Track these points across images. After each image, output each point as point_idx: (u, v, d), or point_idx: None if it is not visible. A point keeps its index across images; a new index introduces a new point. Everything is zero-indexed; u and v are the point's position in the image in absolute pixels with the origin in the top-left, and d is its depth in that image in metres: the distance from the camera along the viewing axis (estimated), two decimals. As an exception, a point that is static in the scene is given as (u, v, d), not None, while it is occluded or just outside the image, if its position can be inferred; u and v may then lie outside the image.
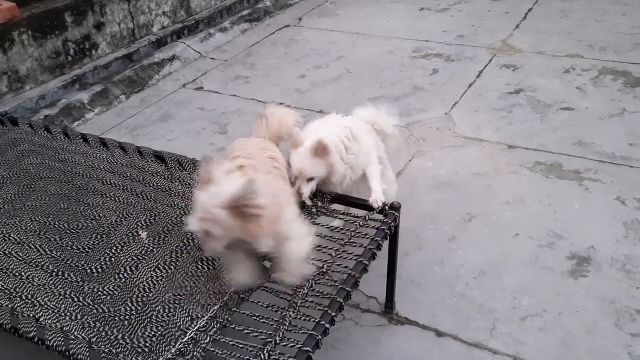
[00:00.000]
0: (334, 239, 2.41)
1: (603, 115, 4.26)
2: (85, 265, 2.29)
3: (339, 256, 2.30)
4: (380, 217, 2.47)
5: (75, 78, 4.90)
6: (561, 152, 3.85)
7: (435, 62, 5.31)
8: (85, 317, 2.05)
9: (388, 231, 2.39)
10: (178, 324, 2.01)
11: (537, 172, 3.68)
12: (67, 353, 1.89)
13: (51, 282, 2.21)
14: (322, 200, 2.61)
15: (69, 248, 2.39)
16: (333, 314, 2.00)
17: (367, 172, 2.67)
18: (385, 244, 2.44)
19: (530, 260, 2.98)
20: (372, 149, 2.72)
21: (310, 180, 2.52)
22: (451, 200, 3.46)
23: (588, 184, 3.52)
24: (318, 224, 2.49)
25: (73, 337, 1.95)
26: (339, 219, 2.55)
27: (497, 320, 2.66)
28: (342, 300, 2.06)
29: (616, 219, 3.23)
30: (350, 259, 2.27)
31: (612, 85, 4.66)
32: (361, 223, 2.46)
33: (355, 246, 2.35)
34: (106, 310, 2.07)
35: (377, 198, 2.51)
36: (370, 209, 2.51)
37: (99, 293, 2.16)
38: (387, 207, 2.49)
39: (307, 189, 2.52)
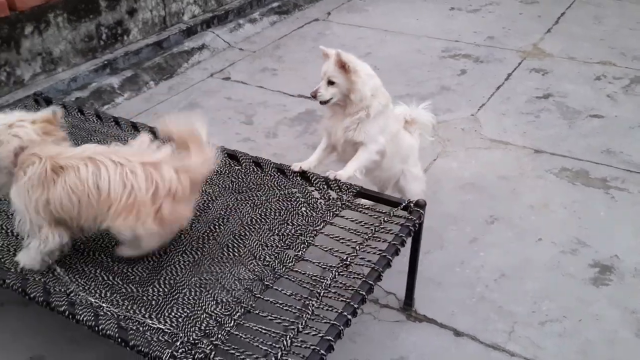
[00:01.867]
0: (358, 232, 2.44)
1: (633, 124, 4.21)
2: (115, 245, 2.34)
3: (362, 249, 2.32)
4: (405, 213, 2.49)
5: (106, 62, 4.97)
6: (588, 159, 3.83)
7: (464, 63, 5.29)
8: (114, 295, 2.10)
9: (412, 228, 2.41)
10: (203, 307, 2.05)
11: (563, 177, 3.66)
12: (97, 328, 1.95)
13: (82, 260, 2.27)
14: (347, 193, 2.64)
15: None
16: (355, 306, 2.03)
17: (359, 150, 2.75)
18: (407, 241, 2.46)
19: (552, 266, 2.98)
20: (384, 127, 2.78)
21: (330, 83, 2.68)
22: (474, 202, 3.46)
23: (614, 193, 3.50)
24: (342, 217, 2.51)
25: (102, 314, 2.01)
26: (370, 215, 2.55)
27: (516, 323, 2.66)
28: (364, 293, 2.09)
29: (641, 229, 3.20)
30: (374, 253, 2.30)
31: (643, 94, 4.61)
32: (385, 218, 2.48)
33: (378, 241, 2.37)
34: (134, 290, 2.13)
35: (339, 173, 2.66)
36: (394, 204, 2.53)
37: (128, 273, 2.21)
38: (412, 204, 2.50)
39: (325, 91, 2.69)
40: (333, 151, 2.92)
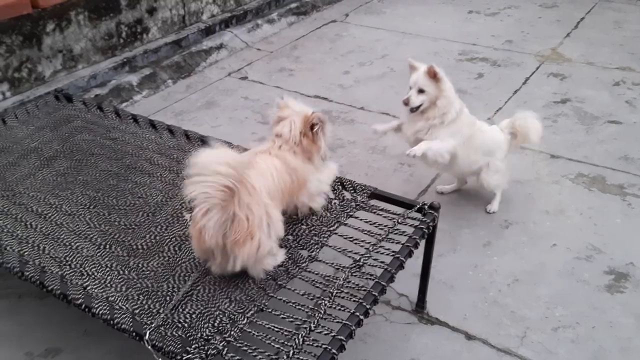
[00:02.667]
0: (371, 233, 2.44)
1: (651, 130, 4.17)
2: (131, 240, 2.38)
3: (375, 251, 2.33)
4: (419, 215, 2.49)
5: (125, 60, 5.03)
6: (605, 165, 3.79)
7: (481, 66, 5.27)
8: (129, 290, 2.13)
9: (426, 230, 2.41)
10: (217, 304, 2.08)
11: (579, 183, 3.63)
12: (112, 321, 1.98)
13: (98, 254, 2.31)
14: (361, 194, 2.65)
15: (116, 223, 2.49)
16: (367, 306, 2.03)
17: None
18: (421, 243, 2.47)
19: (566, 272, 2.96)
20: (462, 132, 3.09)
21: (420, 92, 2.97)
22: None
23: (631, 200, 3.46)
24: (356, 217, 2.52)
25: (117, 307, 2.04)
26: (384, 216, 2.57)
27: (529, 328, 2.65)
28: (376, 294, 2.10)
29: (658, 236, 3.17)
30: (387, 254, 2.30)
31: (663, 101, 4.56)
32: (399, 220, 2.48)
33: (392, 242, 2.38)
34: (149, 285, 2.16)
35: (414, 149, 2.98)
36: (409, 206, 2.54)
37: (143, 268, 2.24)
38: (426, 207, 2.50)
39: (415, 98, 2.98)
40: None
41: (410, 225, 2.45)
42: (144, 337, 1.90)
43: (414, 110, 3.02)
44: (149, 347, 1.89)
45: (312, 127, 2.39)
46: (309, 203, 2.49)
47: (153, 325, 1.95)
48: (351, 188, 2.68)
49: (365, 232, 2.47)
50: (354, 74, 5.22)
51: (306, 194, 2.45)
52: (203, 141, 3.04)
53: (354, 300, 2.09)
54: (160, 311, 2.04)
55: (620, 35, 5.81)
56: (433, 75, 2.95)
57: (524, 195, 3.53)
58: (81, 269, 2.24)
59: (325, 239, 2.42)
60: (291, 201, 2.41)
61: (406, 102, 2.99)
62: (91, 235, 2.41)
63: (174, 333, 1.94)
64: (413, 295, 2.78)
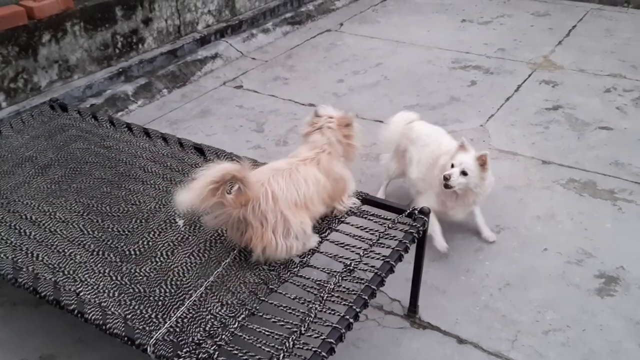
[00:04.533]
0: (363, 238, 2.47)
1: (642, 136, 4.21)
2: (124, 246, 2.41)
3: (366, 255, 2.36)
4: (409, 220, 2.52)
5: (121, 70, 5.07)
6: (596, 170, 3.83)
7: (474, 74, 5.32)
8: (122, 295, 2.15)
9: (416, 234, 2.44)
10: (208, 308, 2.10)
11: (570, 189, 3.66)
12: (104, 327, 2.00)
13: (91, 260, 2.33)
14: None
15: (109, 230, 2.51)
16: (357, 310, 2.06)
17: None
18: (412, 249, 2.49)
19: (557, 276, 2.98)
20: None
21: (463, 174, 2.86)
22: (481, 211, 3.46)
23: (622, 204, 3.50)
24: (348, 223, 2.55)
25: (110, 313, 2.06)
26: (375, 222, 2.60)
27: (520, 332, 2.67)
28: (366, 297, 2.12)
29: (648, 240, 3.20)
30: (378, 258, 2.33)
31: (654, 107, 4.61)
32: (390, 225, 2.51)
33: (382, 247, 2.41)
34: (142, 290, 2.18)
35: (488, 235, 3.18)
36: (399, 211, 2.56)
37: (136, 274, 2.26)
38: (416, 212, 2.53)
39: (456, 177, 2.86)
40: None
41: (401, 230, 2.48)
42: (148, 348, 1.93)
43: (448, 187, 2.89)
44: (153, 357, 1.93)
45: (347, 126, 2.53)
46: (347, 203, 2.59)
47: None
48: (343, 194, 2.70)
49: (357, 237, 2.50)
50: (348, 82, 5.27)
51: (346, 196, 2.59)
52: (197, 149, 3.07)
53: (344, 304, 2.11)
54: (152, 316, 2.06)
55: (611, 43, 5.88)
56: (482, 164, 2.88)
57: (516, 201, 3.56)
58: (74, 275, 2.26)
59: (317, 245, 2.44)
60: (332, 204, 2.54)
61: (447, 178, 2.85)
62: (84, 242, 2.43)
63: (165, 337, 1.96)
64: (405, 300, 2.80)
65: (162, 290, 2.18)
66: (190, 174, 2.84)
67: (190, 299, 2.12)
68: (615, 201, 3.53)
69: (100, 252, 2.38)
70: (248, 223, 2.22)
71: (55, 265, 2.31)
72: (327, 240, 2.49)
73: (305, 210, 2.31)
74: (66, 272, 2.27)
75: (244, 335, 1.98)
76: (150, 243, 2.42)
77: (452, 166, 2.90)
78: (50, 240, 2.45)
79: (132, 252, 2.38)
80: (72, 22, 4.64)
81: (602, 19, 6.53)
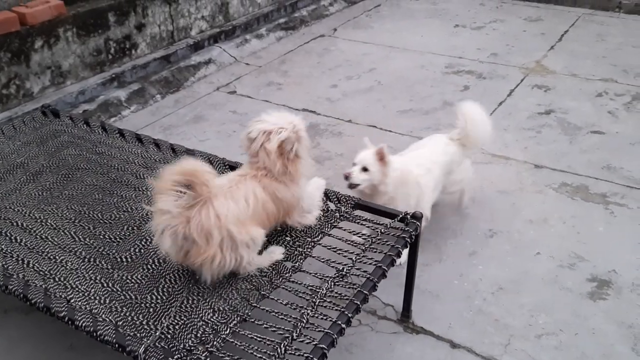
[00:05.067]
0: (355, 243, 2.47)
1: (633, 140, 4.23)
2: (116, 253, 2.40)
3: (358, 260, 2.35)
4: (402, 225, 2.52)
5: (114, 76, 5.06)
6: (588, 174, 3.85)
7: (467, 79, 5.34)
8: (113, 302, 2.14)
9: (408, 239, 2.44)
10: (200, 315, 2.09)
11: (563, 192, 3.68)
12: (95, 333, 1.99)
13: (83, 267, 2.32)
14: (345, 205, 2.67)
15: (101, 237, 2.50)
16: (349, 315, 2.05)
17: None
18: (404, 252, 2.50)
19: (549, 280, 2.99)
20: (414, 196, 2.97)
21: (364, 170, 2.83)
22: (474, 215, 3.48)
23: (614, 208, 3.51)
24: (340, 228, 2.55)
25: (101, 320, 2.05)
26: (367, 227, 2.59)
27: (513, 336, 2.67)
28: (359, 302, 2.12)
29: (640, 244, 3.22)
30: (370, 263, 2.33)
31: (645, 111, 4.64)
32: (382, 230, 2.51)
33: (375, 252, 2.40)
34: (133, 297, 2.17)
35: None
36: (392, 216, 2.57)
37: (127, 280, 2.25)
38: (408, 216, 2.53)
39: (357, 175, 2.84)
40: None
41: (394, 235, 2.48)
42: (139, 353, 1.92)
43: (352, 187, 2.86)
44: None
45: (280, 148, 2.26)
46: (301, 221, 2.51)
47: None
48: (335, 199, 2.71)
49: (349, 242, 2.50)
50: (342, 87, 5.28)
51: (296, 214, 2.47)
52: (189, 155, 3.07)
53: (337, 310, 2.10)
54: (144, 323, 2.05)
55: (602, 47, 5.91)
56: (381, 158, 2.83)
57: (509, 205, 3.57)
58: (65, 282, 2.25)
59: (309, 250, 2.44)
60: (279, 221, 2.44)
61: (347, 176, 2.84)
62: (76, 249, 2.42)
63: (156, 344, 1.95)
64: (398, 305, 2.80)
65: (154, 297, 2.17)
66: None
67: (174, 307, 2.11)
68: (607, 205, 3.54)
69: (92, 259, 2.37)
70: (193, 240, 2.08)
71: (46, 272, 2.30)
72: (319, 244, 2.48)
73: (248, 227, 2.19)
74: (57, 279, 2.26)
75: (235, 342, 1.97)
76: (142, 250, 2.41)
77: (354, 165, 2.88)
78: (41, 247, 2.43)
79: (124, 259, 2.37)
80: (64, 28, 4.64)
81: (593, 24, 6.57)
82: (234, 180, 2.27)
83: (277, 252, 2.39)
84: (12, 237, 2.50)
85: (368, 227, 2.57)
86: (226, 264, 2.15)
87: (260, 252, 2.32)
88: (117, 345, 1.95)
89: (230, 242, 2.13)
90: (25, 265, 2.33)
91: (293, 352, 1.91)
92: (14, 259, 2.37)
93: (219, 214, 2.09)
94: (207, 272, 2.16)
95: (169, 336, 1.99)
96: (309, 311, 2.08)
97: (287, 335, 1.97)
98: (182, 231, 2.06)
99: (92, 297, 2.17)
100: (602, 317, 2.76)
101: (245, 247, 2.18)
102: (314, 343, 1.93)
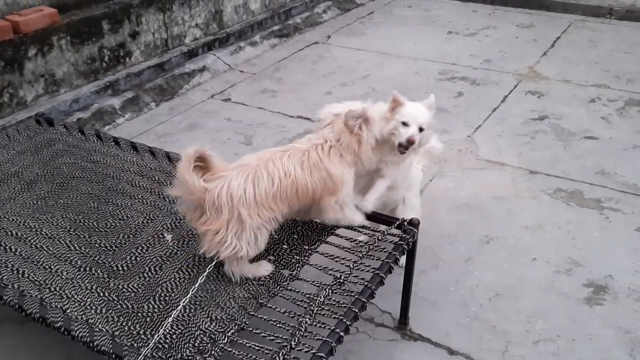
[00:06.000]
0: (352, 250, 2.47)
1: (627, 145, 4.26)
2: (112, 262, 2.38)
3: (356, 268, 2.35)
4: (399, 232, 2.52)
5: (108, 84, 5.05)
6: (583, 180, 3.87)
7: (461, 85, 5.36)
8: (110, 311, 2.13)
9: (406, 246, 2.44)
10: (197, 324, 2.08)
11: (558, 198, 3.69)
12: (91, 344, 1.97)
13: (79, 277, 2.31)
14: (342, 213, 2.67)
15: (96, 245, 2.48)
16: (348, 323, 2.05)
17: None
18: (401, 259, 2.49)
19: (546, 285, 2.99)
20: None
21: (421, 130, 2.58)
22: (470, 222, 3.49)
23: (608, 213, 3.53)
24: (338, 235, 2.54)
25: (97, 329, 2.04)
26: (364, 234, 2.58)
27: (510, 342, 2.67)
28: (357, 310, 2.11)
29: (635, 249, 3.23)
30: (367, 271, 2.32)
31: (638, 117, 4.67)
32: (379, 237, 2.51)
33: (372, 259, 2.40)
34: (130, 306, 2.15)
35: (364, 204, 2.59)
36: (389, 223, 2.57)
37: (124, 289, 2.24)
38: (405, 223, 2.53)
39: (418, 137, 2.56)
40: None
41: (391, 242, 2.48)
42: None
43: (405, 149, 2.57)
44: None
45: (346, 122, 2.32)
46: (334, 212, 2.38)
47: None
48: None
49: (346, 249, 2.50)
50: (336, 94, 5.29)
51: (337, 201, 2.35)
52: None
53: (334, 317, 2.10)
54: (140, 332, 2.03)
55: (595, 53, 5.96)
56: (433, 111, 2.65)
57: (504, 211, 3.58)
58: (61, 291, 2.23)
59: (306, 258, 2.43)
60: (314, 201, 2.33)
61: (413, 141, 2.52)
62: (71, 258, 2.40)
63: (154, 354, 1.93)
64: (396, 312, 2.79)
65: (150, 306, 2.15)
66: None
67: (172, 316, 2.09)
68: (602, 210, 3.56)
69: (88, 268, 2.35)
70: (204, 210, 2.18)
71: (42, 282, 2.28)
72: (316, 252, 2.48)
73: (265, 209, 2.19)
74: (53, 289, 2.24)
75: (233, 351, 1.96)
76: (138, 258, 2.40)
77: (404, 124, 2.56)
78: (37, 257, 2.41)
79: (120, 268, 2.35)
80: (58, 36, 4.62)
81: (585, 30, 6.62)
82: (264, 158, 2.27)
83: (263, 268, 2.35)
84: (7, 247, 2.47)
85: (365, 233, 2.56)
86: (226, 243, 2.17)
87: (251, 261, 2.33)
88: (113, 356, 1.93)
89: (238, 224, 2.17)
90: (20, 275, 2.31)
91: (291, 361, 1.90)
92: (8, 269, 2.35)
93: (233, 194, 2.15)
94: (207, 244, 2.20)
95: (166, 346, 1.97)
96: (307, 319, 2.08)
97: (285, 344, 1.96)
98: (198, 198, 2.15)
99: (88, 307, 2.15)
100: (599, 322, 2.76)
101: (247, 238, 2.18)
102: (313, 352, 1.92)
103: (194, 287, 2.20)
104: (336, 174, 2.32)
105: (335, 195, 2.34)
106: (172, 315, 2.08)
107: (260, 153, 2.34)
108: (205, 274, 2.25)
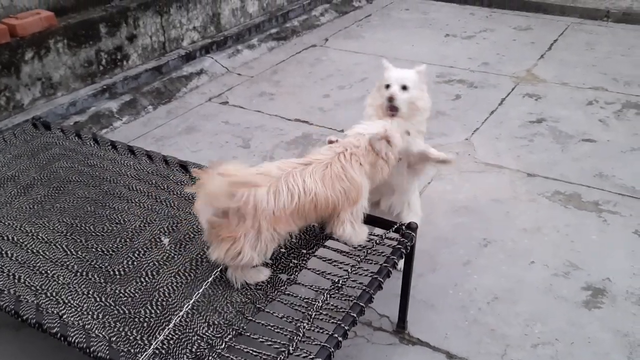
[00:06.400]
0: (350, 254, 2.46)
1: (624, 148, 4.26)
2: (109, 267, 2.37)
3: (354, 272, 2.34)
4: (397, 236, 2.51)
5: (105, 87, 5.04)
6: (581, 182, 3.86)
7: (458, 88, 5.37)
8: (106, 317, 2.11)
9: (404, 250, 2.43)
10: (195, 329, 2.06)
11: (556, 201, 3.69)
12: (88, 350, 1.95)
13: (75, 282, 2.29)
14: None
15: (93, 250, 2.47)
16: (346, 327, 2.04)
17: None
18: (399, 263, 2.49)
19: (544, 288, 2.99)
20: None
21: (403, 88, 2.64)
22: (468, 225, 3.48)
23: (606, 216, 3.53)
24: (335, 239, 2.53)
25: (94, 335, 2.02)
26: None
27: (509, 346, 2.66)
28: (355, 315, 2.10)
29: (633, 252, 3.22)
30: (365, 275, 2.31)
31: (636, 119, 4.67)
32: (377, 241, 2.50)
33: (370, 263, 2.39)
34: (126, 311, 2.14)
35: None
36: (387, 227, 2.56)
37: (120, 294, 2.22)
38: (403, 227, 2.53)
39: (401, 95, 2.63)
40: None
41: (389, 246, 2.47)
42: None
43: (393, 110, 2.64)
44: None
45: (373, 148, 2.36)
46: (345, 228, 2.35)
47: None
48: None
49: (344, 253, 2.49)
50: (334, 97, 5.28)
51: (352, 213, 2.35)
52: (182, 166, 3.05)
53: (333, 322, 2.09)
54: (138, 338, 2.02)
55: (592, 56, 5.97)
56: (422, 76, 2.71)
57: (502, 214, 3.58)
58: (57, 297, 2.21)
59: (304, 262, 2.42)
60: (332, 214, 2.33)
61: (391, 98, 2.60)
62: (68, 263, 2.39)
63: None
64: (394, 316, 2.78)
65: (148, 311, 2.14)
66: (175, 192, 2.83)
67: (172, 322, 2.08)
68: (600, 213, 3.56)
69: (84, 273, 2.34)
70: (226, 214, 2.14)
71: (38, 287, 2.26)
72: (314, 256, 2.47)
73: (282, 223, 2.19)
74: (49, 294, 2.23)
75: (231, 356, 1.95)
76: (135, 263, 2.39)
77: (387, 87, 2.70)
78: (33, 262, 2.40)
79: (117, 273, 2.34)
80: (55, 40, 4.61)
81: (582, 33, 6.63)
82: (291, 169, 2.25)
83: (262, 273, 2.33)
84: (3, 252, 2.46)
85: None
86: (242, 253, 2.14)
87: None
88: (110, 362, 1.92)
89: (256, 235, 2.15)
90: (16, 281, 2.30)
91: (290, 366, 1.89)
92: (4, 274, 2.33)
93: (257, 205, 2.12)
94: (222, 251, 2.15)
95: (163, 352, 1.96)
96: (305, 324, 2.07)
97: (283, 349, 1.95)
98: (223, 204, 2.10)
99: (85, 312, 2.14)
100: (597, 325, 2.76)
101: (260, 249, 2.16)
102: (311, 357, 1.91)
103: (197, 293, 2.18)
104: (359, 182, 2.33)
105: (356, 205, 2.35)
106: (173, 322, 2.07)
107: (279, 163, 2.31)
108: (210, 279, 2.23)
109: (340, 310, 2.15)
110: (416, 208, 3.01)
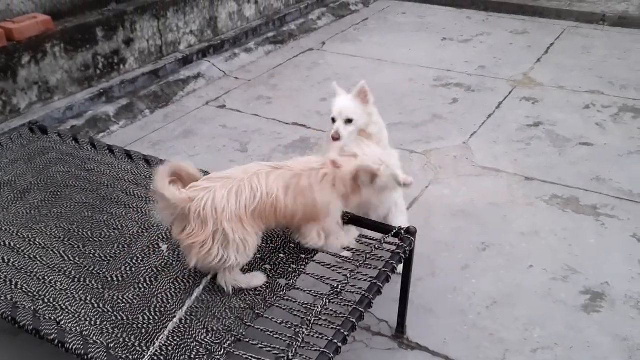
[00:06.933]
0: (349, 259, 2.45)
1: (622, 152, 4.27)
2: (106, 272, 2.36)
3: (353, 277, 2.34)
4: (396, 240, 2.51)
5: (102, 91, 5.02)
6: (578, 186, 3.87)
7: (455, 92, 5.37)
8: (104, 323, 2.10)
9: (403, 255, 2.42)
10: (193, 335, 2.05)
11: (554, 205, 3.69)
12: (86, 356, 1.94)
13: (73, 287, 2.28)
14: (339, 221, 2.65)
15: (91, 255, 2.46)
16: (345, 333, 2.03)
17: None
18: (398, 268, 2.48)
19: (543, 293, 2.99)
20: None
21: (348, 122, 2.62)
22: (466, 229, 3.48)
23: (604, 220, 3.53)
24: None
25: (92, 342, 2.01)
26: (362, 243, 2.57)
27: (508, 350, 2.66)
28: (354, 320, 2.09)
29: (631, 256, 3.23)
30: (364, 280, 2.31)
31: (632, 123, 4.68)
32: (376, 245, 2.50)
33: (369, 268, 2.39)
34: (124, 318, 2.13)
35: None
36: (386, 231, 2.55)
37: (118, 300, 2.21)
38: (402, 231, 2.52)
39: (345, 130, 2.62)
40: None
41: (388, 251, 2.46)
42: None
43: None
44: None
45: (354, 178, 2.35)
46: (318, 238, 2.40)
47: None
48: (328, 214, 2.68)
49: (343, 258, 2.48)
50: (331, 101, 5.27)
51: (320, 227, 2.38)
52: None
53: (332, 328, 2.08)
54: (136, 344, 2.01)
55: (588, 60, 5.99)
56: (363, 97, 2.67)
57: (500, 218, 3.58)
58: (55, 303, 2.20)
59: (303, 267, 2.42)
60: (294, 223, 2.36)
61: (335, 137, 2.60)
62: (65, 269, 2.38)
63: (149, 366, 1.91)
64: (393, 320, 2.78)
65: (146, 318, 2.13)
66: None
67: (167, 329, 2.07)
68: (598, 217, 3.56)
69: (82, 279, 2.32)
70: (189, 220, 2.15)
71: (35, 293, 2.25)
72: (313, 261, 2.46)
73: (246, 223, 2.18)
74: (46, 300, 2.22)
75: (230, 363, 1.94)
76: (133, 269, 2.38)
77: (333, 121, 2.69)
78: (30, 267, 2.39)
79: (115, 279, 2.33)
80: (52, 44, 4.60)
81: (578, 37, 6.65)
82: (256, 171, 2.26)
83: (257, 279, 2.33)
84: (0, 257, 2.44)
85: (362, 242, 2.55)
86: (212, 255, 2.15)
87: (244, 272, 2.32)
88: (108, 368, 1.91)
89: (222, 237, 2.14)
90: (13, 287, 2.29)
91: (289, 373, 1.88)
92: (1, 280, 2.32)
93: (217, 206, 2.13)
94: (194, 257, 2.17)
95: (162, 358, 1.95)
96: (304, 330, 2.06)
97: (282, 355, 1.94)
98: (182, 208, 2.13)
99: (83, 319, 2.13)
100: (596, 329, 2.76)
101: (235, 248, 2.16)
102: (310, 363, 1.90)
103: (190, 301, 2.17)
104: (322, 204, 2.32)
105: (318, 223, 2.36)
106: (168, 328, 2.06)
107: (247, 167, 2.32)
108: (201, 286, 2.23)
109: (340, 315, 2.14)
110: (402, 208, 3.01)
